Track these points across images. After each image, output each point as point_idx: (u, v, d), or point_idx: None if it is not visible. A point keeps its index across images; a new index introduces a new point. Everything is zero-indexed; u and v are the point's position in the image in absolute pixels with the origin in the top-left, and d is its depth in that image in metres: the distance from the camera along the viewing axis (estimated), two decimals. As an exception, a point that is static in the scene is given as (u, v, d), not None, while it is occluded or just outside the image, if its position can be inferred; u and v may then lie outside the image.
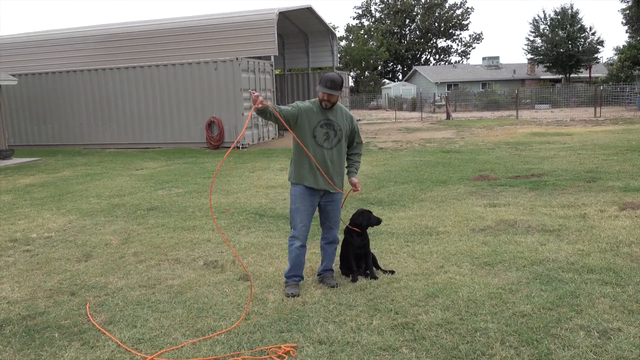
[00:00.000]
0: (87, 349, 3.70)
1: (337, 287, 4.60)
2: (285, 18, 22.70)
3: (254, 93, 4.07)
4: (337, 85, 4.35)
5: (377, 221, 4.94)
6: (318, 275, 4.82)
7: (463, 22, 69.06)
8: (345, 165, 4.74)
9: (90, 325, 4.06)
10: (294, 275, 4.64)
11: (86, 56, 21.11)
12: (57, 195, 9.79)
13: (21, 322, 4.16)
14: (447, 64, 67.17)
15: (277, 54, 19.84)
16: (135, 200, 8.96)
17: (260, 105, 4.07)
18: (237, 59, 17.55)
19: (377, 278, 4.73)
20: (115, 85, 19.25)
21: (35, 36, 22.59)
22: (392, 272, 4.72)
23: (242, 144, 17.70)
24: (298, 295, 4.45)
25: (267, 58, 19.61)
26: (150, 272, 5.22)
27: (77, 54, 21.30)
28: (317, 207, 4.68)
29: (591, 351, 3.34)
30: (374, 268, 4.88)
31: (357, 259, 4.81)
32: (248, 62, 17.94)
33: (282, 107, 4.41)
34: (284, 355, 3.46)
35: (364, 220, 4.84)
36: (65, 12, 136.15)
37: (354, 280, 4.65)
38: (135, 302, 4.47)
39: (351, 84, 57.16)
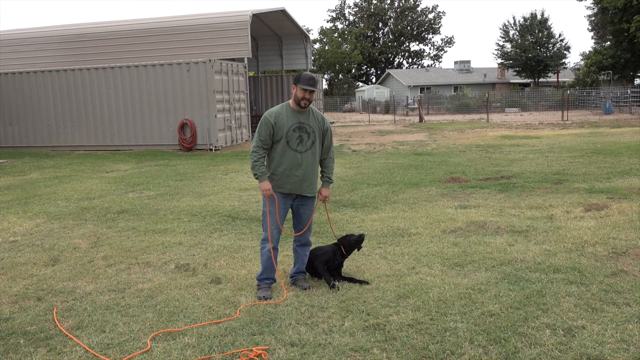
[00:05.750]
0: (53, 355, 3.62)
1: (309, 289, 4.61)
2: (259, 20, 22.65)
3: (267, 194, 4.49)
4: (316, 82, 4.46)
5: (359, 238, 4.90)
6: (290, 277, 4.83)
7: (435, 26, 69.97)
8: (319, 169, 4.76)
9: (57, 330, 3.98)
10: (266, 278, 4.63)
11: (55, 56, 20.65)
12: (23, 199, 9.55)
13: (-15, 328, 4.05)
14: (419, 67, 67.91)
15: (251, 56, 19.79)
16: (105, 203, 8.81)
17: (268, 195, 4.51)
18: (210, 60, 17.42)
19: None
20: (85, 86, 18.88)
21: (0, 35, 22.00)
22: (367, 282, 4.72)
23: (215, 146, 17.58)
24: (270, 298, 4.44)
25: (241, 60, 19.54)
26: (120, 276, 5.14)
27: (45, 53, 20.83)
28: (290, 210, 4.70)
29: (556, 349, 3.42)
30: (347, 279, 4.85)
31: (330, 270, 4.81)
32: (221, 64, 17.82)
33: (260, 142, 4.46)
34: (256, 358, 3.46)
35: (345, 242, 4.85)
36: (38, 11, 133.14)
37: (333, 287, 4.61)
38: (104, 307, 4.39)
39: (325, 86, 57.35)
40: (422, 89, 51.07)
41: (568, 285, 4.43)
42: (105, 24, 21.26)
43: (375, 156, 14.49)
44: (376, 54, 67.77)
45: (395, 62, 71.18)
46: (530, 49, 46.75)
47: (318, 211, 7.06)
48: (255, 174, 4.50)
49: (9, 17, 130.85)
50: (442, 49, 72.45)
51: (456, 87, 51.37)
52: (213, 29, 19.43)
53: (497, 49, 50.57)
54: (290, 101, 4.55)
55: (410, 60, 72.34)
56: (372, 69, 71.93)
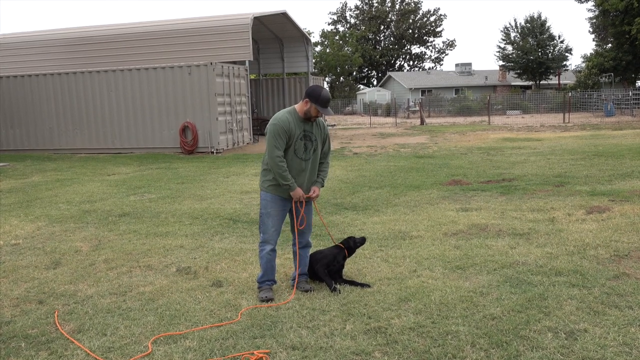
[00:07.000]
0: (55, 358, 3.62)
1: (310, 291, 4.60)
2: (260, 23, 22.68)
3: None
4: (330, 103, 4.46)
5: (362, 241, 5.07)
6: (292, 280, 4.82)
7: (436, 28, 70.01)
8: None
9: (59, 334, 3.98)
10: (267, 280, 4.63)
11: (56, 59, 20.69)
12: (25, 202, 9.56)
13: (-14, 332, 4.05)
14: (421, 70, 67.96)
15: (252, 59, 19.81)
16: (107, 206, 8.82)
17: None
18: (211, 63, 17.44)
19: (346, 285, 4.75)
20: (86, 90, 18.91)
21: (2, 38, 22.06)
22: (369, 285, 4.68)
23: (216, 149, 17.59)
24: (272, 300, 4.44)
25: (242, 63, 19.56)
26: (122, 279, 5.14)
27: (47, 57, 20.86)
28: (288, 212, 4.69)
29: (558, 352, 3.41)
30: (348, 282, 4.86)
31: (330, 273, 4.80)
32: (222, 66, 17.85)
33: (278, 151, 4.40)
34: (257, 361, 3.45)
35: (348, 243, 4.94)
36: (41, 14, 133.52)
37: (335, 290, 4.60)
38: (106, 310, 4.39)
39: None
40: (423, 91, 51.10)
41: (570, 288, 4.42)
42: (106, 27, 21.31)
43: (377, 159, 14.49)
44: (377, 56, 67.82)
45: (397, 65, 71.23)
46: (532, 51, 46.77)
47: (316, 215, 7.06)
48: (287, 185, 4.45)
49: (10, 17, 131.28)
50: (444, 52, 72.55)
51: (457, 89, 51.38)
52: (214, 32, 19.46)
53: (499, 51, 50.68)
54: (298, 108, 4.50)
55: (411, 62, 72.41)
56: (374, 72, 71.96)
